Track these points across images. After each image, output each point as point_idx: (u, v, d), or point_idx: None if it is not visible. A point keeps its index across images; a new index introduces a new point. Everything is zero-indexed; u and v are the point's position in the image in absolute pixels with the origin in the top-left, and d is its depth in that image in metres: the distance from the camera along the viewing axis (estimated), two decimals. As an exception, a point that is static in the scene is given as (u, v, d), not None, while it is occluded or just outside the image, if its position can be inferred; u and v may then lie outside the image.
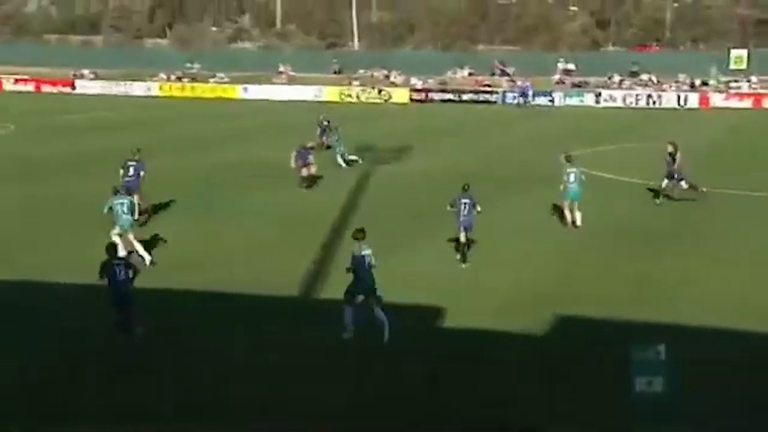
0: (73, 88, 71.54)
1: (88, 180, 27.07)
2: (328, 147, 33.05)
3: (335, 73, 75.25)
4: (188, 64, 76.77)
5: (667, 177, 24.59)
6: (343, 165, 30.86)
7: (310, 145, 28.04)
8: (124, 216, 18.09)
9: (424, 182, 28.08)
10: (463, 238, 18.21)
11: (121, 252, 16.48)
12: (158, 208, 23.35)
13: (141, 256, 17.77)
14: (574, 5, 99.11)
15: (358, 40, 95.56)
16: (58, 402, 11.69)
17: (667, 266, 18.26)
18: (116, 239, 17.40)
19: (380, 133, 42.22)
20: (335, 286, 16.52)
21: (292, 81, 71.70)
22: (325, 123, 34.73)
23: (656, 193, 25.11)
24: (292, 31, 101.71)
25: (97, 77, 73.18)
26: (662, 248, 19.82)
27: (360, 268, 13.62)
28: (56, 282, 16.51)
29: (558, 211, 22.51)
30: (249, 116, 54.03)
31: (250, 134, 42.82)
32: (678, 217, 23.38)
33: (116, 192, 18.66)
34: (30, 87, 71.79)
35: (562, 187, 21.89)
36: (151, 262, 17.78)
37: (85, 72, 74.00)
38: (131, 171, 21.99)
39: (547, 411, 11.51)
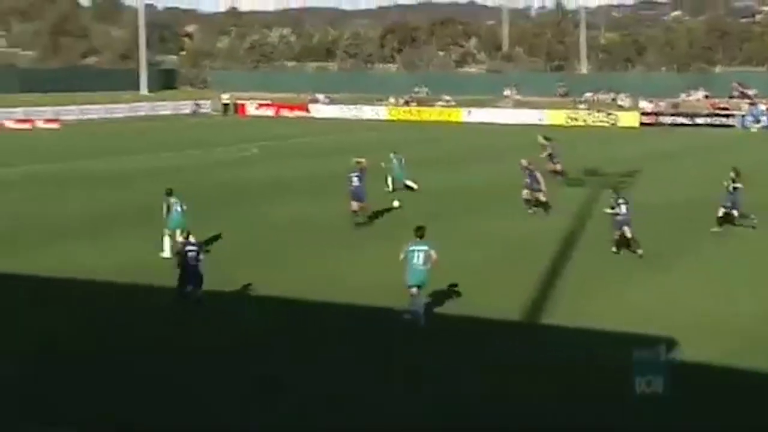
0: (308, 111, 75.61)
1: (323, 200, 28.45)
2: (557, 172, 32.48)
3: (561, 96, 74.30)
4: (416, 88, 78.87)
5: (726, 206, 23.01)
6: (390, 187, 30.10)
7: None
8: (175, 215, 20.14)
9: (653, 210, 26.83)
10: (628, 233, 20.50)
11: (166, 250, 19.67)
12: (379, 223, 24.20)
13: (163, 250, 19.99)
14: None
15: (586, 62, 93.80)
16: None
17: None
18: (167, 238, 19.89)
19: (607, 157, 41.13)
20: (554, 311, 16.37)
21: (517, 104, 71.60)
22: (550, 149, 34.03)
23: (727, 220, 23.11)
24: (518, 54, 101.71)
25: (331, 102, 76.84)
26: None
27: (409, 262, 15.18)
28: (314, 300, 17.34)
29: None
30: (467, 140, 54.17)
31: (465, 159, 43.00)
32: None
33: (170, 193, 20.68)
34: (270, 111, 76.61)
35: None
36: (166, 259, 19.39)
37: (320, 96, 77.88)
38: (354, 181, 24.00)
39: None
